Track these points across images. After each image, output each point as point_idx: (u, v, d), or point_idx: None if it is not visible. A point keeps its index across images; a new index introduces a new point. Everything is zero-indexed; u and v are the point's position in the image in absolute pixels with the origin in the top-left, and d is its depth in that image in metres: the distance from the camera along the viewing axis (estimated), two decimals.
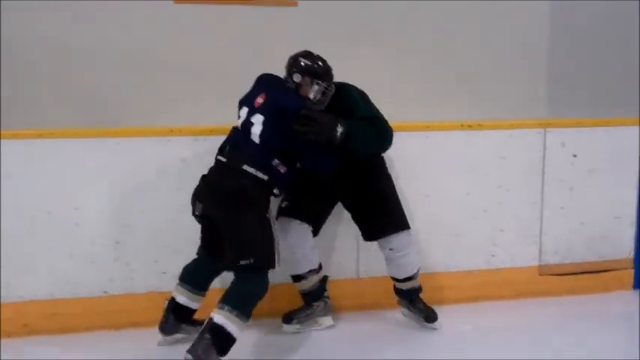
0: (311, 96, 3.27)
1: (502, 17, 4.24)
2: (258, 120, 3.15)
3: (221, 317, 2.99)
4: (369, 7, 4.06)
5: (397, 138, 3.37)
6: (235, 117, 3.27)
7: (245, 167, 3.11)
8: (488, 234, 4.05)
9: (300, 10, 3.99)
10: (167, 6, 3.84)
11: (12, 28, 3.65)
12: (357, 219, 3.59)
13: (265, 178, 3.13)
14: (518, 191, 4.05)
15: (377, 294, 3.86)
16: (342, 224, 3.82)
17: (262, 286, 3.14)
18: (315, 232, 3.58)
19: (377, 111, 3.38)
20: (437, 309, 3.68)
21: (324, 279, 3.70)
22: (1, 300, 3.50)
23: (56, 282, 3.57)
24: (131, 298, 3.62)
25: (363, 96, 3.42)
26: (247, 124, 3.18)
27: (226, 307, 3.01)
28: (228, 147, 3.22)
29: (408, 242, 3.56)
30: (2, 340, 3.45)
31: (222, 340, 2.97)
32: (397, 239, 3.52)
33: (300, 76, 3.25)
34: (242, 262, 3.05)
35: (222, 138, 3.31)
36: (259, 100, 3.20)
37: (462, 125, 3.93)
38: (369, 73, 3.85)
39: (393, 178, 3.61)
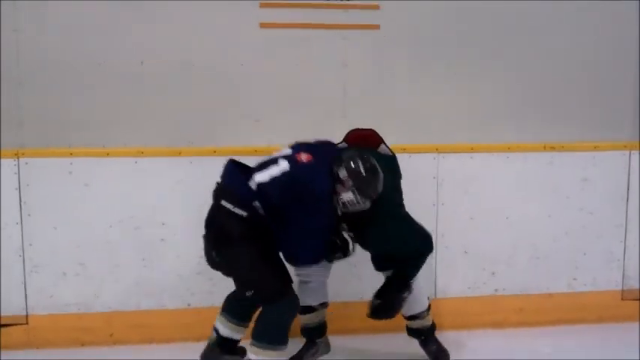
0: (342, 199, 3.04)
1: (585, 36, 4.16)
2: (277, 170, 3.03)
3: (252, 354, 3.04)
4: (449, 28, 4.06)
5: (477, 159, 3.37)
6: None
7: (223, 203, 3.01)
8: (570, 257, 3.99)
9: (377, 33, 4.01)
10: (240, 27, 3.90)
11: (94, 52, 3.76)
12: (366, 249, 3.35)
13: (244, 214, 2.97)
14: (601, 214, 3.98)
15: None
16: None
17: (285, 310, 3.05)
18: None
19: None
20: (516, 331, 3.64)
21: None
22: (91, 310, 3.65)
23: (142, 294, 3.70)
24: (212, 311, 3.72)
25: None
26: (269, 162, 3.09)
27: (254, 342, 3.04)
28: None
29: None
30: (89, 349, 3.62)
31: None
32: None
33: (346, 174, 3.03)
34: (247, 294, 3.07)
35: None
36: (303, 156, 3.07)
37: (544, 147, 3.89)
38: (445, 94, 3.87)
39: (471, 199, 3.58)
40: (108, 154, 3.59)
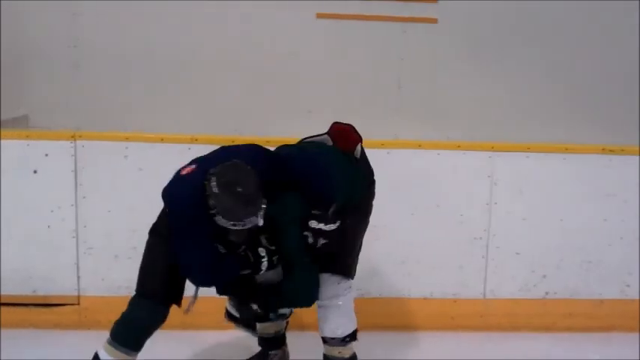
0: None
1: None
2: None
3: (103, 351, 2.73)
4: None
5: (533, 158, 3.29)
6: None
7: None
8: (624, 263, 3.90)
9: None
10: (297, 17, 3.88)
11: (151, 39, 3.78)
12: None
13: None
14: None
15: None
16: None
17: (140, 312, 2.76)
18: None
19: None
20: (565, 335, 3.57)
21: (286, 326, 3.23)
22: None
23: None
24: None
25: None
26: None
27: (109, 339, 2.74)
28: None
29: None
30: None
31: None
32: None
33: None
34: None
35: None
36: (186, 169, 2.74)
37: (602, 149, 3.80)
38: (501, 91, 3.81)
39: (525, 200, 3.51)
40: (162, 139, 3.60)
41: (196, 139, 3.62)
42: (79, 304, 3.64)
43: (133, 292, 2.81)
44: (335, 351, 2.86)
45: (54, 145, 3.50)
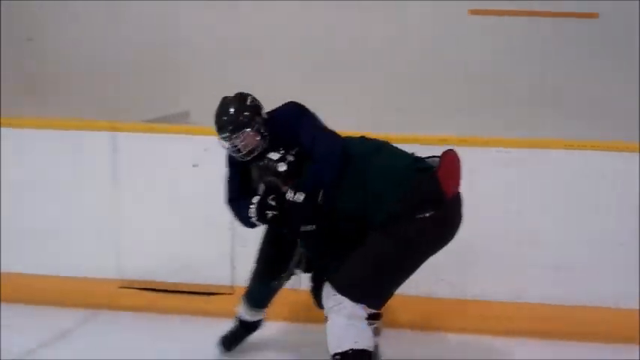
0: None
1: None
2: None
3: None
4: None
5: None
6: None
7: None
8: None
9: None
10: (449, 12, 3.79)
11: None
12: None
13: None
14: None
15: None
16: None
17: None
18: None
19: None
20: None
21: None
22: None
23: None
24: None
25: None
26: None
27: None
28: None
29: None
30: (292, 324, 3.71)
31: None
32: None
33: None
34: None
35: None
36: None
37: None
38: None
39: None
40: None
41: None
42: (232, 294, 3.76)
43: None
44: None
45: (213, 140, 3.62)
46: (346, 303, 2.62)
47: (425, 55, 3.85)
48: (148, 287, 3.83)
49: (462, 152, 2.67)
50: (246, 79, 3.80)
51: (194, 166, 3.71)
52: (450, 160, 2.68)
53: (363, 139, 2.89)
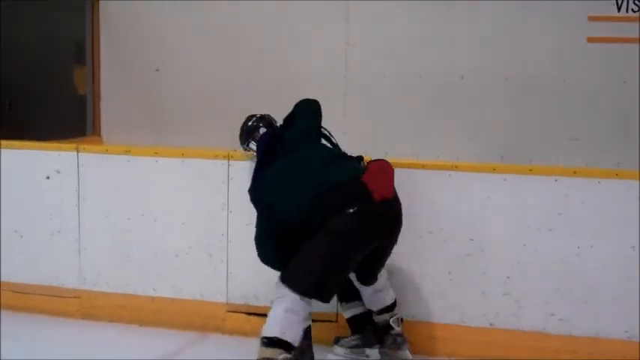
0: None
1: None
2: None
3: None
4: None
5: None
6: None
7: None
8: None
9: None
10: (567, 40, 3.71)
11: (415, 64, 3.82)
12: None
13: None
14: None
15: None
16: None
17: None
18: None
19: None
20: None
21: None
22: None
23: (442, 307, 3.70)
24: (515, 335, 3.61)
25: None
26: None
27: None
28: None
29: None
30: None
31: None
32: None
33: None
34: None
35: None
36: None
37: None
38: None
39: None
40: (424, 166, 3.63)
41: (456, 167, 3.61)
42: (337, 321, 3.78)
43: None
44: None
45: None
46: (288, 297, 2.99)
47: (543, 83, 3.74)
48: (254, 312, 3.89)
49: None
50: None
51: None
52: (375, 168, 3.09)
53: (315, 150, 3.29)
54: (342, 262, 3.06)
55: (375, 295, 3.45)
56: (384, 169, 3.12)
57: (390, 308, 3.47)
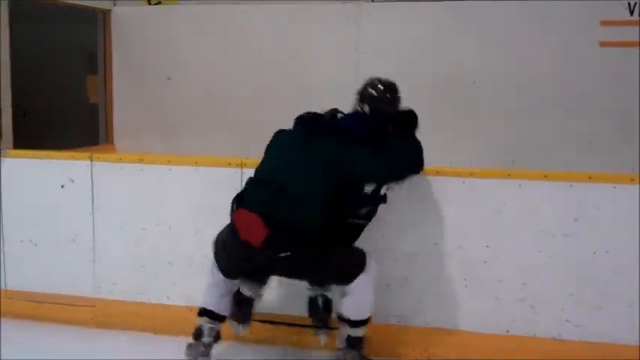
0: None
1: None
2: None
3: None
4: None
5: None
6: None
7: None
8: None
9: None
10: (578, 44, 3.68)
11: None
12: None
13: None
14: None
15: None
16: None
17: None
18: None
19: None
20: None
21: None
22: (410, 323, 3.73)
23: (460, 314, 3.68)
24: (533, 341, 3.60)
25: None
26: None
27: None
28: None
29: None
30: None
31: None
32: None
33: None
34: None
35: None
36: None
37: None
38: None
39: None
40: (438, 172, 3.63)
41: (472, 173, 3.60)
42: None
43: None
44: None
45: None
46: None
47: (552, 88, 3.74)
48: (267, 320, 3.88)
49: None
50: None
51: None
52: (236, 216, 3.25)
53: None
54: (222, 254, 3.37)
55: (343, 299, 3.39)
56: (239, 220, 3.22)
57: (353, 324, 3.41)
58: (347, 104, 3.32)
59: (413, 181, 3.47)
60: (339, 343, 3.47)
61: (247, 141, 3.67)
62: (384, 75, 3.38)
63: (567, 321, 3.52)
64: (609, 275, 3.44)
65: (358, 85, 3.36)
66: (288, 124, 3.37)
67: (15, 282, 4.21)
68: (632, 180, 3.36)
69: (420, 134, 3.39)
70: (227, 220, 3.31)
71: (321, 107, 3.31)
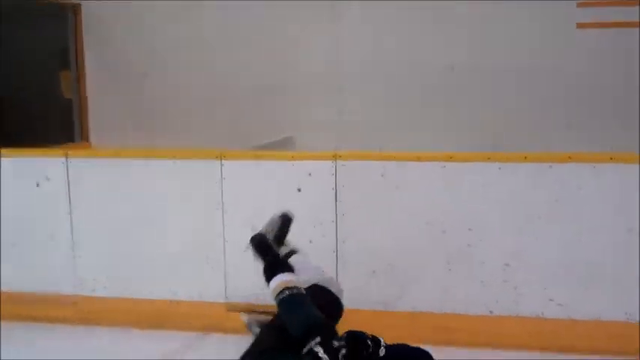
0: None
1: None
2: None
3: None
4: None
5: None
6: None
7: None
8: None
9: None
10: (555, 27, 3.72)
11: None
12: None
13: None
14: None
15: None
16: None
17: None
18: None
19: None
20: None
21: None
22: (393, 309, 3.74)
23: (445, 298, 3.70)
24: (515, 320, 3.63)
25: None
26: None
27: None
28: None
29: None
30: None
31: None
32: None
33: None
34: None
35: None
36: None
37: None
38: None
39: None
40: (419, 158, 3.63)
41: (451, 157, 3.61)
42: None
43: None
44: None
45: (316, 164, 3.68)
46: None
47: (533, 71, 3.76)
48: (254, 310, 3.86)
49: None
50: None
51: (299, 190, 3.74)
52: None
53: None
54: None
55: None
56: None
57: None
58: (324, 97, 3.29)
59: (393, 167, 3.46)
60: None
61: (225, 134, 3.64)
62: (363, 66, 3.36)
63: (551, 300, 3.56)
64: (593, 254, 3.48)
65: (337, 78, 3.34)
66: (268, 116, 3.36)
67: None
68: (611, 159, 3.39)
69: (398, 121, 3.38)
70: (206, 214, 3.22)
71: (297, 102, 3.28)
